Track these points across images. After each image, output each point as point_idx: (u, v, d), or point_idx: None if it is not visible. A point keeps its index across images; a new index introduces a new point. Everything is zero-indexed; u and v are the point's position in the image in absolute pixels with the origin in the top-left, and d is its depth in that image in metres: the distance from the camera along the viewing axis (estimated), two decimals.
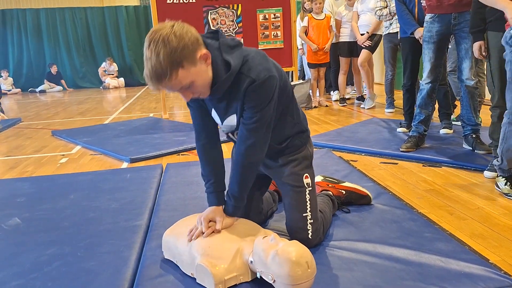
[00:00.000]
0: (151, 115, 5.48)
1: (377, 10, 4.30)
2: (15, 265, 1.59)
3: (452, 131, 3.43)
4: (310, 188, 1.61)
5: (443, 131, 3.43)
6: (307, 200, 1.59)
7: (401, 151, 2.93)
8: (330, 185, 1.97)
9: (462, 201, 2.09)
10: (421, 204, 2.07)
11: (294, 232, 1.59)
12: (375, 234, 1.69)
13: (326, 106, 5.42)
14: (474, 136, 2.87)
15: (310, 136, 1.72)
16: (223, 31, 5.11)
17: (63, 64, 11.03)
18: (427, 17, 2.84)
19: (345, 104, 5.42)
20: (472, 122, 2.87)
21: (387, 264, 1.46)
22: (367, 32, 4.89)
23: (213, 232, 1.46)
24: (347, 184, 2.00)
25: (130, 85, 10.73)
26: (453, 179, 2.42)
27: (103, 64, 10.82)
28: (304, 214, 1.58)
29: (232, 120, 1.49)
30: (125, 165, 3.09)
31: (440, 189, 2.27)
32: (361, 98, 5.41)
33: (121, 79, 10.78)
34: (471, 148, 2.88)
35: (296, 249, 1.26)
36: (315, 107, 5.32)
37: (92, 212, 2.09)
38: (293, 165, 1.61)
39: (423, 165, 2.71)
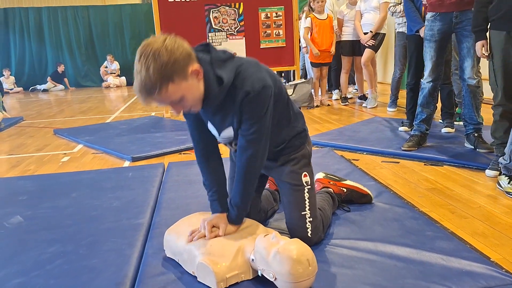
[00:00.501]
0: (153, 114, 5.48)
1: (391, 6, 4.30)
2: (17, 263, 1.60)
3: (454, 130, 3.43)
4: (309, 187, 1.61)
5: (445, 130, 3.43)
6: (306, 198, 1.59)
7: (403, 150, 2.93)
8: (331, 183, 1.97)
9: (464, 199, 2.09)
10: (422, 203, 2.07)
11: (293, 231, 1.60)
12: (377, 233, 1.69)
13: (328, 105, 5.42)
14: (476, 134, 2.87)
15: (310, 135, 1.71)
16: (225, 30, 5.12)
17: (65, 63, 11.04)
18: (428, 15, 2.84)
19: (347, 103, 5.42)
20: (474, 121, 2.87)
21: (388, 263, 1.46)
22: (371, 31, 4.88)
23: (215, 236, 1.46)
24: (348, 182, 2.00)
25: (132, 84, 10.68)
26: (454, 178, 2.42)
27: (105, 63, 10.83)
28: (303, 213, 1.58)
29: (229, 132, 1.49)
30: (126, 163, 3.10)
31: (441, 188, 2.27)
32: (363, 97, 5.40)
33: (123, 78, 10.79)
34: (473, 147, 2.88)
35: (297, 247, 1.27)
36: (317, 106, 5.32)
37: (94, 210, 2.10)
38: (291, 164, 1.61)
39: (424, 164, 2.71)
